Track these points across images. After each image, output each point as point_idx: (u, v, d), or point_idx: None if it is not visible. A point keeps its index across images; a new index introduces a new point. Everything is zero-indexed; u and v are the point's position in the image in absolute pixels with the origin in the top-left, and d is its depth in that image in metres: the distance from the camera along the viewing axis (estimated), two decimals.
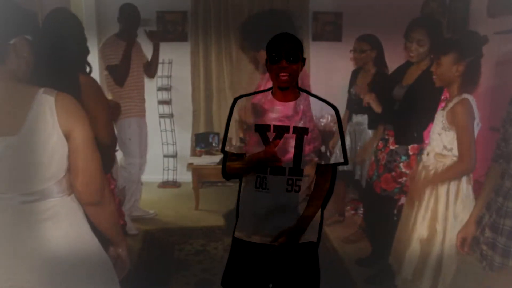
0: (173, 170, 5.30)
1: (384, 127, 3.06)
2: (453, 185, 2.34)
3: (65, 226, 1.47)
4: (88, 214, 1.54)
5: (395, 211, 3.03)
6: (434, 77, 2.42)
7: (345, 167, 3.79)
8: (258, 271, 1.97)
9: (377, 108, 3.12)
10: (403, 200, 2.98)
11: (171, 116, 5.21)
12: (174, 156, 5.28)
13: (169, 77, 5.10)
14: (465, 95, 2.29)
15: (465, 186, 2.34)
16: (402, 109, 2.89)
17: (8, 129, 1.35)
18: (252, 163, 1.85)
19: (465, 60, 2.28)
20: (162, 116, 5.18)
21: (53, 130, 1.39)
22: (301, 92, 1.90)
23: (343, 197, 4.16)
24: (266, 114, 1.89)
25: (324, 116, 2.01)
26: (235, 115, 1.93)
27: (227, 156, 1.95)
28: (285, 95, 1.86)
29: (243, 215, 1.98)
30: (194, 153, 4.99)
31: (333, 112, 1.90)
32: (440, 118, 2.37)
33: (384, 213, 2.96)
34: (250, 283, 1.99)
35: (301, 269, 1.96)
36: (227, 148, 1.97)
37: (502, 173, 1.86)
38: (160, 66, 5.00)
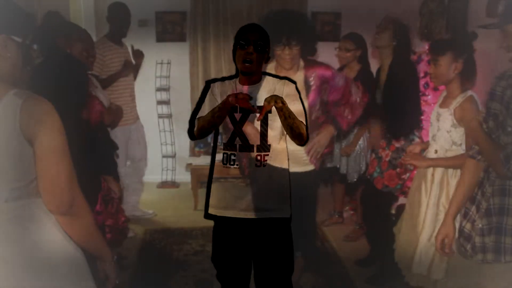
0: (172, 170, 5.30)
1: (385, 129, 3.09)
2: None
3: (31, 228, 1.42)
4: (59, 223, 1.47)
5: (394, 211, 3.04)
6: (433, 79, 2.47)
7: (328, 163, 3.82)
8: (238, 245, 2.10)
9: None
10: (401, 200, 2.99)
11: (169, 116, 5.20)
12: (173, 156, 5.28)
13: (168, 77, 5.10)
14: (470, 92, 2.35)
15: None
16: (386, 106, 3.01)
17: None
18: (222, 108, 1.90)
19: (461, 57, 2.34)
20: (161, 116, 5.17)
21: (13, 135, 1.34)
22: (263, 76, 2.03)
23: (342, 198, 4.16)
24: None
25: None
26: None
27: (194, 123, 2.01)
28: (250, 78, 1.98)
29: (215, 192, 2.08)
30: (193, 153, 4.99)
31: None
32: (448, 117, 2.39)
33: (383, 209, 2.99)
34: (234, 257, 2.12)
35: (277, 243, 2.08)
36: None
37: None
38: (158, 66, 5.03)
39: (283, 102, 1.82)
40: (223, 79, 2.06)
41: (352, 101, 2.64)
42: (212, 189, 2.08)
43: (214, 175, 2.09)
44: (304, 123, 1.96)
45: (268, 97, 1.82)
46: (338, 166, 3.82)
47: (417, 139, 2.89)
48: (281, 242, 2.09)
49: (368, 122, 3.52)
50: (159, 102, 5.14)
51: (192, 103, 5.20)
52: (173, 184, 5.25)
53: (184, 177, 5.07)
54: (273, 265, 2.10)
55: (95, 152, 2.32)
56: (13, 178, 1.39)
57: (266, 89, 2.01)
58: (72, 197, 1.43)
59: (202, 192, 4.69)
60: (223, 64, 5.10)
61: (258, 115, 1.89)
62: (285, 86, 2.04)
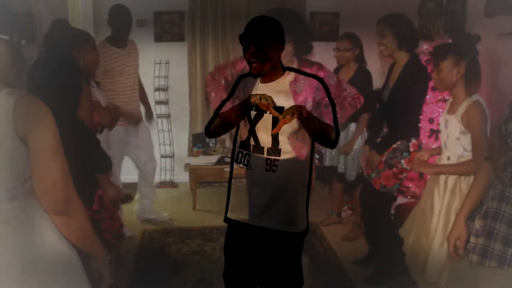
0: (170, 171, 5.29)
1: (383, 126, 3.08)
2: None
3: (27, 229, 1.42)
4: (54, 223, 1.46)
5: (393, 211, 3.03)
6: (437, 84, 2.46)
7: (327, 163, 3.82)
8: (248, 252, 2.04)
9: None
10: (400, 200, 2.99)
11: (168, 116, 5.20)
12: (171, 156, 5.27)
13: (166, 77, 5.09)
14: (475, 97, 2.32)
15: None
16: (391, 106, 2.95)
17: None
18: (241, 107, 1.85)
19: (464, 61, 2.31)
20: (159, 116, 5.16)
21: (7, 134, 1.33)
22: (286, 71, 1.92)
23: (340, 197, 4.16)
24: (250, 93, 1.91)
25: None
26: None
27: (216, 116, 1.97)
28: (269, 75, 1.89)
29: (232, 196, 2.07)
30: (191, 154, 4.99)
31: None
32: (456, 124, 2.37)
33: (382, 210, 2.98)
34: (243, 265, 2.06)
35: (285, 257, 2.02)
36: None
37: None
38: (157, 66, 5.02)
39: (306, 112, 1.73)
40: (250, 74, 1.95)
41: (341, 101, 2.58)
42: (231, 192, 2.06)
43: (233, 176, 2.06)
44: (332, 122, 1.87)
45: (288, 110, 1.71)
46: (336, 165, 3.83)
47: (414, 140, 2.88)
48: (290, 256, 2.02)
49: (364, 120, 3.54)
50: (157, 102, 5.13)
51: (191, 103, 5.21)
52: (172, 184, 5.25)
53: (183, 177, 5.08)
54: (280, 279, 2.03)
55: (89, 150, 2.30)
56: (8, 178, 1.38)
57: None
58: (67, 196, 1.42)
59: (200, 192, 4.72)
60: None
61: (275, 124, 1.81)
62: (310, 83, 1.93)
